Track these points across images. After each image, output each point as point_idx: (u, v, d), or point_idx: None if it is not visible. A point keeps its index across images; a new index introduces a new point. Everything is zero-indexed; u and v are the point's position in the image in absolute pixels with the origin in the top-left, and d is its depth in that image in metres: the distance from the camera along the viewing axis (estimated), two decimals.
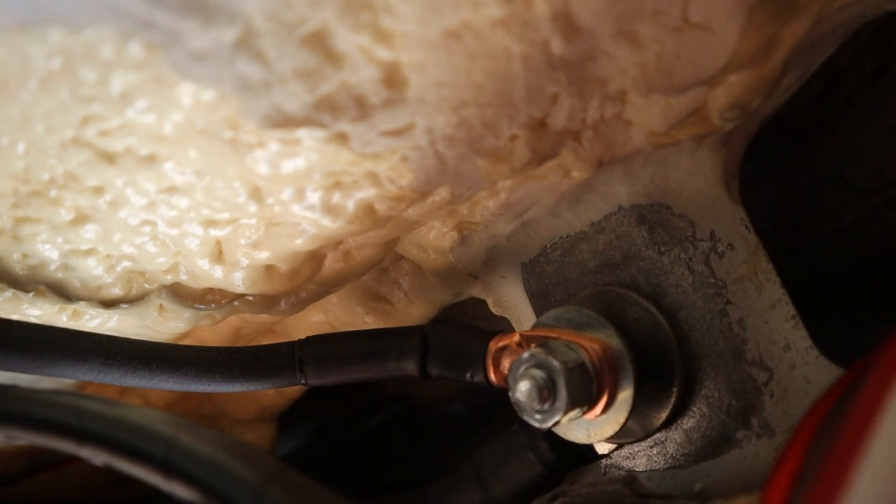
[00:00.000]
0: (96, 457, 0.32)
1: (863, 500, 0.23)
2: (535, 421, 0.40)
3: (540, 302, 0.48)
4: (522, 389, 0.40)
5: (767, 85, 0.36)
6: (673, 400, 0.42)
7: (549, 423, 0.39)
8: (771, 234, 0.58)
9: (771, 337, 0.41)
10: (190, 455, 0.30)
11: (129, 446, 0.31)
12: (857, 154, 0.55)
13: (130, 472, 0.31)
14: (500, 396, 0.42)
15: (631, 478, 0.38)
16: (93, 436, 0.32)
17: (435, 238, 0.48)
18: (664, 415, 0.42)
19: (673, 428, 0.43)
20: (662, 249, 0.43)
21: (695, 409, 0.42)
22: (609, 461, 0.45)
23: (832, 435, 0.26)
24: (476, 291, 0.53)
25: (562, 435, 0.44)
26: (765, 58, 0.35)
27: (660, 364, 0.42)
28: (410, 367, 0.45)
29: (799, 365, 0.41)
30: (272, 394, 0.65)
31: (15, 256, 0.41)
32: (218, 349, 0.46)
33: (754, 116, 0.41)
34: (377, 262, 0.49)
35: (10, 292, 0.42)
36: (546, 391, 0.39)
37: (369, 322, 0.56)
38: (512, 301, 0.51)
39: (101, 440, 0.31)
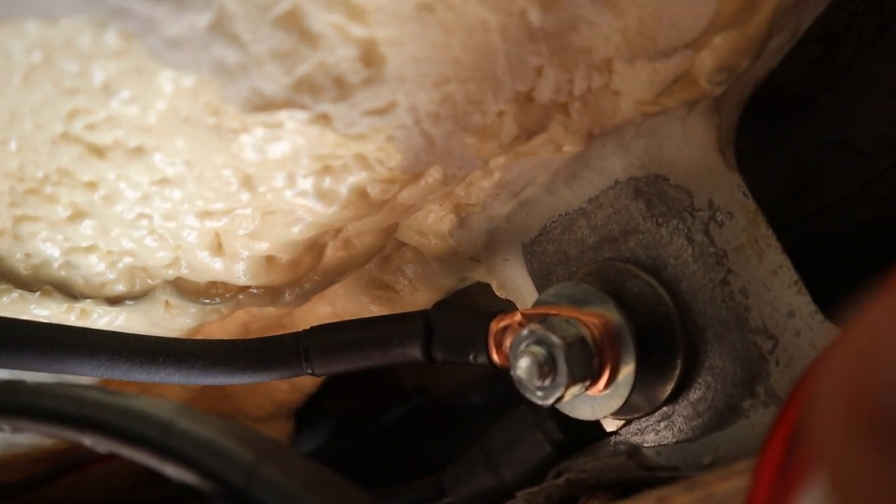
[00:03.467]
0: (98, 443, 0.32)
1: None
2: (537, 398, 0.40)
3: (542, 282, 0.48)
4: (522, 366, 0.39)
5: (754, 45, 0.36)
6: (677, 372, 0.41)
7: (551, 400, 0.39)
8: (777, 203, 0.57)
9: (774, 304, 0.41)
10: (186, 437, 0.30)
11: (127, 431, 0.31)
12: (861, 118, 0.54)
13: (132, 456, 0.32)
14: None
15: (634, 450, 0.38)
16: (93, 423, 0.32)
17: (433, 222, 0.48)
18: (669, 387, 0.42)
19: (679, 401, 0.42)
20: (661, 221, 0.42)
21: (700, 380, 0.42)
22: (618, 438, 0.45)
23: None
24: (480, 275, 0.53)
25: (567, 413, 0.44)
26: (748, 17, 0.35)
27: (662, 336, 0.42)
28: (415, 353, 0.45)
29: (804, 331, 0.40)
30: (286, 389, 0.65)
31: (18, 256, 0.42)
32: (223, 341, 0.47)
33: (746, 80, 0.41)
34: (378, 249, 0.49)
35: (16, 293, 0.43)
36: (546, 367, 0.39)
37: (375, 311, 0.56)
38: (516, 283, 0.51)
39: (101, 427, 0.32)
